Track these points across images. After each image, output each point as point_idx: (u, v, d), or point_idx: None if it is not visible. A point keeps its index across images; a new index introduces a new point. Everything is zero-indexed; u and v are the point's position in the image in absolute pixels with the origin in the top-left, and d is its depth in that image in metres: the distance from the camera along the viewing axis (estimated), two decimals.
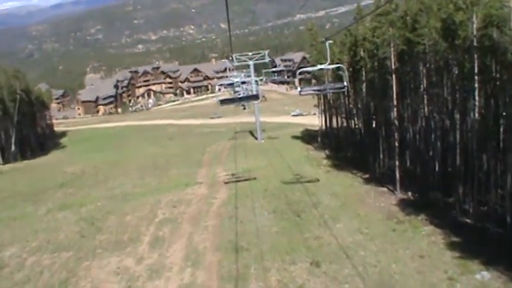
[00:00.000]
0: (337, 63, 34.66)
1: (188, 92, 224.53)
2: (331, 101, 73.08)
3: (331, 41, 28.87)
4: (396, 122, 48.06)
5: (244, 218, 41.80)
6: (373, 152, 55.32)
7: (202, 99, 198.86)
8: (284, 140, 79.38)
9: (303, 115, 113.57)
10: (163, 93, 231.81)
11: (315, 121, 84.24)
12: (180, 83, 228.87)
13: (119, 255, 37.44)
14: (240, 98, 41.86)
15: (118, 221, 45.23)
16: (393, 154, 49.11)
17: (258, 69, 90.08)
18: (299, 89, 26.20)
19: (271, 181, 51.61)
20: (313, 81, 79.20)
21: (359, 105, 63.46)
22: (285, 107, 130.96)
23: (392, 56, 46.09)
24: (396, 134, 47.91)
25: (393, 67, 46.37)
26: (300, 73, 28.85)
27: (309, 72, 75.59)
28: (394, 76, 46.48)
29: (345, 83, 25.92)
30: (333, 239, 35.02)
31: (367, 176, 53.87)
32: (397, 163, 47.02)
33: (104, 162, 76.71)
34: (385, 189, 48.03)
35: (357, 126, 66.66)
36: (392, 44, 45.81)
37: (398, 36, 45.13)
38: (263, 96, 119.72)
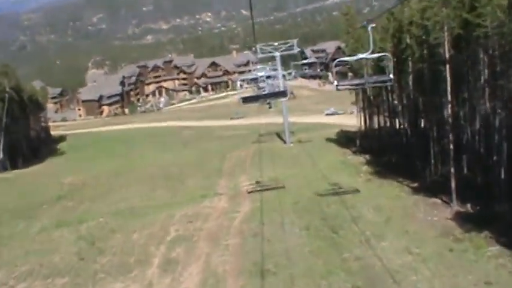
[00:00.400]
0: (380, 53, 33.67)
1: (205, 89, 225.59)
2: (371, 98, 72.42)
3: (373, 25, 27.91)
4: (450, 121, 46.94)
5: (271, 235, 41.00)
6: (423, 156, 54.33)
7: (222, 98, 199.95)
8: (317, 143, 79.03)
9: (338, 114, 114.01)
10: (177, 91, 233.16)
11: (353, 121, 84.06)
12: (195, 79, 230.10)
13: (124, 280, 36.82)
14: (265, 95, 41.75)
15: (123, 240, 44.73)
16: (447, 159, 47.72)
17: (285, 61, 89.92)
18: (335, 83, 25.68)
19: (303, 192, 51.03)
20: (349, 74, 78.51)
21: (404, 102, 62.71)
22: (317, 105, 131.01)
23: (446, 42, 44.71)
24: (451, 135, 46.61)
25: (447, 55, 45.05)
26: (336, 64, 27.98)
27: (346, 64, 74.75)
28: (447, 66, 45.13)
29: (391, 76, 25.37)
30: (377, 260, 34.03)
31: (415, 184, 52.68)
32: (452, 169, 45.65)
33: (108, 172, 76.97)
34: (438, 200, 46.70)
35: (402, 127, 65.89)
36: (446, 28, 44.37)
37: (453, 18, 43.73)
38: (291, 93, 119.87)
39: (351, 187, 50.47)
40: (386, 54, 29.26)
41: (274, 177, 56.87)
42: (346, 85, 28.17)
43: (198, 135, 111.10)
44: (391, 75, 25.43)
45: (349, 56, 32.56)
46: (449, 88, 45.50)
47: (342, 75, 71.02)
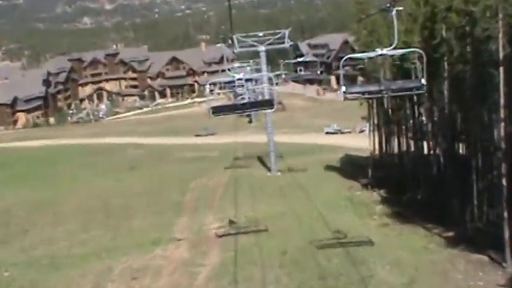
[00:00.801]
0: (403, 48, 32.69)
1: (163, 95, 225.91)
2: (389, 111, 72.02)
3: (400, 8, 27.10)
4: (503, 146, 46.23)
5: None
6: (462, 194, 53.71)
7: (185, 106, 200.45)
8: (313, 172, 79.33)
9: (342, 133, 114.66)
10: (123, 96, 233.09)
11: (363, 143, 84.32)
12: (149, 80, 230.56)
13: None
14: (244, 104, 41.00)
15: None
16: (498, 199, 47.33)
17: (273, 59, 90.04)
18: (343, 89, 24.94)
19: (293, 239, 50.76)
20: (360, 78, 78.28)
21: (436, 118, 62.49)
22: (314, 120, 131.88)
23: (500, 35, 44.33)
24: (504, 166, 46.03)
25: (501, 54, 44.64)
26: (345, 64, 27.25)
27: (356, 64, 74.43)
28: (501, 69, 44.76)
29: (423, 81, 24.88)
30: None
31: (451, 233, 52.32)
32: (505, 213, 45.15)
33: (21, 203, 75.84)
34: (484, 257, 46.14)
35: (432, 152, 65.63)
36: (500, 15, 44.00)
37: None
38: (280, 103, 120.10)
39: (360, 235, 50.44)
40: (418, 50, 28.58)
41: (254, 216, 57.05)
42: (358, 93, 27.32)
43: (151, 156, 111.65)
44: (423, 80, 24.69)
45: (362, 52, 31.88)
46: (502, 100, 44.92)
47: (349, 80, 71.02)
